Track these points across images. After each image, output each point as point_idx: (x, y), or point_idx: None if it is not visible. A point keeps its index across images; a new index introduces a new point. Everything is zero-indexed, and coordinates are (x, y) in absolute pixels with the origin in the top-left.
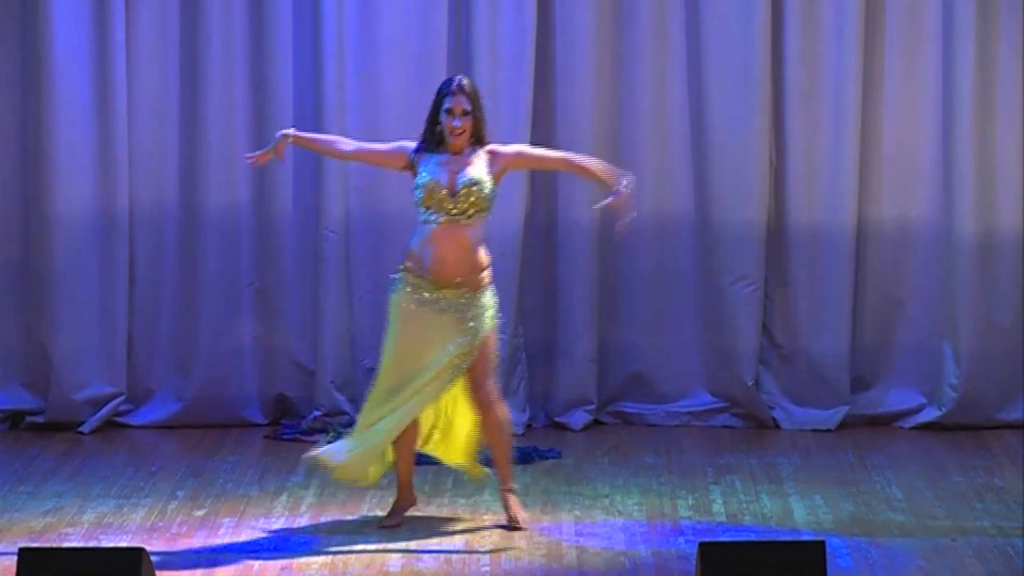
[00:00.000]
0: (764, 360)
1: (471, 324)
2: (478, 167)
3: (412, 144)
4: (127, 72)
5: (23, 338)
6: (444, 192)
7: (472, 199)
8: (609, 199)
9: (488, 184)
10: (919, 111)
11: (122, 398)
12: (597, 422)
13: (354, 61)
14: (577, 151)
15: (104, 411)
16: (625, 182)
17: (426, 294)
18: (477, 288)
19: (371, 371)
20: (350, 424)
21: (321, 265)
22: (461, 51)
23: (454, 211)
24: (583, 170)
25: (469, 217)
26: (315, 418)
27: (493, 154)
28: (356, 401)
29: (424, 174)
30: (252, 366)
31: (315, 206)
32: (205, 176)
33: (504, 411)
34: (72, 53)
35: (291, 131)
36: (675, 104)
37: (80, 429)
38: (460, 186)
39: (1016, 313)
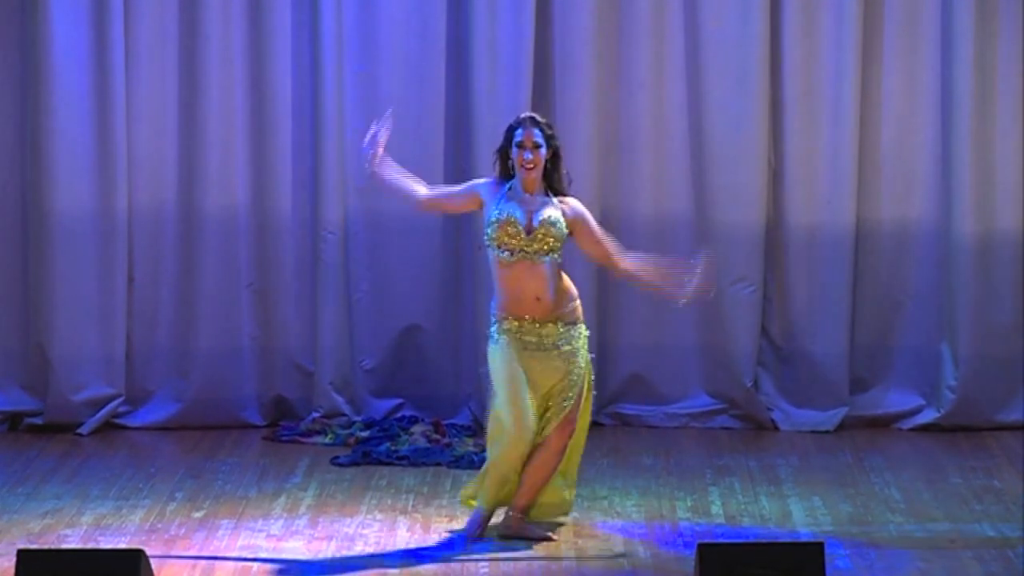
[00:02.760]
0: (763, 361)
1: (566, 364)
2: (553, 209)
3: (483, 181)
4: (126, 73)
5: (22, 340)
6: (521, 229)
7: (548, 239)
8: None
9: (564, 225)
10: (918, 112)
11: (121, 399)
12: (596, 423)
13: (353, 62)
14: (576, 153)
15: (103, 412)
16: (684, 295)
17: (527, 338)
18: (573, 320)
19: (369, 372)
20: (349, 426)
21: (320, 266)
22: (460, 52)
23: (528, 249)
24: (640, 282)
25: (543, 256)
26: (314, 419)
27: (566, 204)
28: (355, 403)
29: (497, 210)
30: (251, 367)
31: (314, 207)
32: (204, 177)
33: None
34: (71, 54)
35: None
36: (674, 106)
37: (79, 430)
38: (537, 224)
39: (1015, 314)
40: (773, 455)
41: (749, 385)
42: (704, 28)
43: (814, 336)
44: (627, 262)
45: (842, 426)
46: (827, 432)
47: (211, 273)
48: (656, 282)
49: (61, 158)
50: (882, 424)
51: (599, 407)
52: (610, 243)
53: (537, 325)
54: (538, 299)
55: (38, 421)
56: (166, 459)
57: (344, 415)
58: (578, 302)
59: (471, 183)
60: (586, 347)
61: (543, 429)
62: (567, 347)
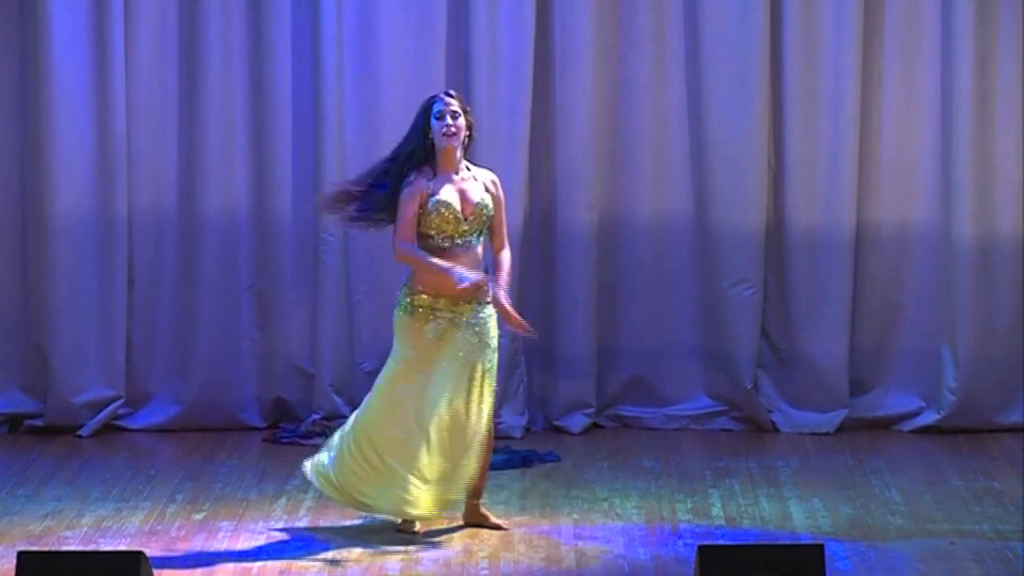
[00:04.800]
0: (763, 363)
1: (482, 339)
2: (478, 188)
3: (412, 179)
4: (126, 76)
5: (22, 341)
6: (457, 214)
7: (480, 221)
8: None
9: (491, 203)
10: (918, 114)
11: (121, 401)
12: (596, 425)
13: (353, 64)
14: (576, 154)
15: (103, 414)
16: (496, 288)
17: (442, 313)
18: (486, 302)
19: (370, 374)
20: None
21: (320, 268)
22: (460, 55)
23: (465, 233)
24: (496, 274)
25: (477, 237)
26: (314, 421)
27: (488, 182)
28: (355, 404)
29: (432, 199)
30: (251, 369)
31: (314, 209)
32: (204, 179)
33: (492, 428)
34: (71, 57)
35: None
36: (674, 108)
37: (79, 432)
38: (471, 209)
39: (1015, 316)
40: (773, 457)
41: (749, 387)
42: (704, 29)
43: (814, 338)
44: (503, 254)
45: (842, 428)
46: (827, 434)
47: (211, 275)
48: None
49: (61, 160)
50: (882, 426)
51: (598, 409)
52: (501, 224)
53: (452, 302)
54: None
55: (38, 423)
56: (166, 461)
57: (344, 417)
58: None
59: (411, 191)
60: (496, 328)
61: (467, 415)
62: (481, 326)
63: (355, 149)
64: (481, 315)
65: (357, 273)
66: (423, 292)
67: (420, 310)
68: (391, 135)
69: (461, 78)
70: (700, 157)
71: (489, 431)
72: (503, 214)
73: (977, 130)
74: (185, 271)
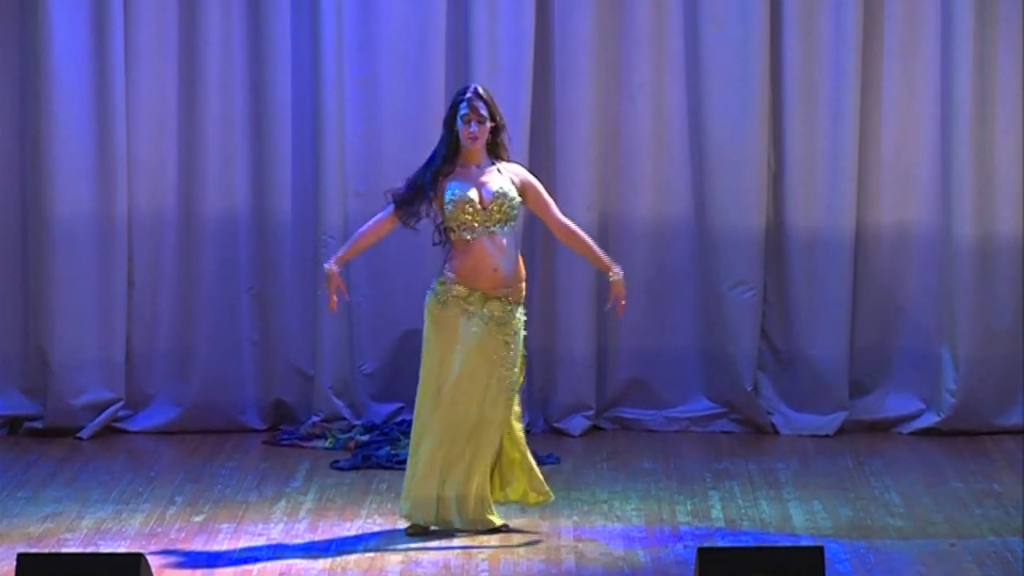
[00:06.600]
0: (763, 365)
1: (505, 339)
2: (501, 179)
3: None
4: (126, 78)
5: (22, 343)
6: (476, 206)
7: (503, 210)
8: (611, 296)
9: (515, 194)
10: (917, 116)
11: (121, 403)
12: (596, 427)
13: (353, 66)
14: (576, 156)
15: (103, 416)
16: (617, 270)
17: (471, 307)
18: (518, 300)
19: (370, 376)
20: (349, 429)
21: (319, 270)
22: (460, 56)
23: (487, 223)
24: (582, 246)
25: (502, 227)
26: (313, 423)
27: (511, 171)
28: (355, 406)
29: (450, 192)
30: (250, 371)
31: (314, 211)
32: (204, 181)
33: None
34: (71, 59)
35: (329, 265)
36: (674, 109)
37: (79, 435)
38: (490, 198)
39: (1015, 317)
40: (773, 459)
41: (749, 389)
42: (704, 30)
43: (814, 340)
44: (569, 224)
45: (842, 430)
46: (827, 436)
47: (211, 277)
48: (592, 250)
49: (61, 162)
50: (882, 428)
51: (598, 411)
52: (553, 206)
53: (484, 298)
54: (495, 270)
55: (38, 425)
56: (166, 463)
57: (344, 419)
58: (524, 284)
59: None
60: (523, 330)
61: (479, 408)
62: (505, 326)
63: (355, 150)
64: (509, 314)
65: (357, 275)
66: (457, 283)
67: (450, 300)
68: (391, 136)
69: (461, 78)
70: (700, 158)
71: (503, 428)
72: (544, 196)
73: (977, 130)
74: (185, 273)
